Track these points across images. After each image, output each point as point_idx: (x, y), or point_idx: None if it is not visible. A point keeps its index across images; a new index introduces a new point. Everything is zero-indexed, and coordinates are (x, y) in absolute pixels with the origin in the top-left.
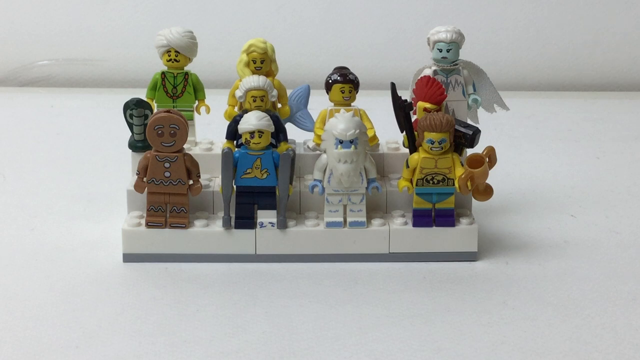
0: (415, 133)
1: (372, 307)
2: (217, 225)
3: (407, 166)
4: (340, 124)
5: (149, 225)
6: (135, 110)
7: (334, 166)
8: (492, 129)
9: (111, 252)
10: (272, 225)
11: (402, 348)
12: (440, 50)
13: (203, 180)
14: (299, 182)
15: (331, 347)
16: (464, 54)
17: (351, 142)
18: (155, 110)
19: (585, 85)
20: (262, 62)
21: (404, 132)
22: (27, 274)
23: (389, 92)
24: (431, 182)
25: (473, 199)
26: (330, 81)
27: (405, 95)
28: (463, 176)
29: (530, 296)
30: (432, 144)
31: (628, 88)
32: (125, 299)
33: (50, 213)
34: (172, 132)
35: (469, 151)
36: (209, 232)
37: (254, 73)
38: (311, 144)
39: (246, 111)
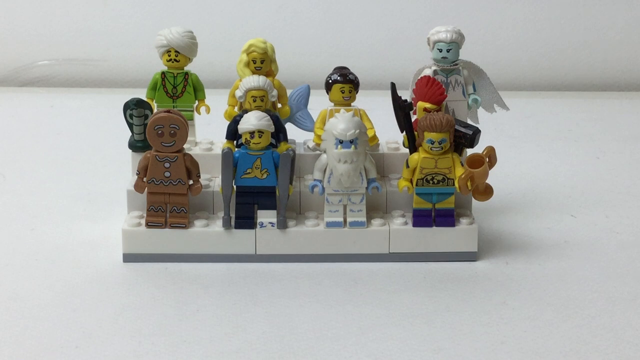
0: (415, 133)
1: (372, 307)
2: (217, 225)
3: (407, 166)
4: (340, 124)
5: (149, 225)
6: (135, 110)
7: (334, 166)
8: (492, 129)
9: (111, 252)
10: (272, 225)
11: (402, 348)
12: (440, 50)
13: (203, 180)
14: (299, 182)
15: (331, 347)
16: (464, 54)
17: (351, 142)
18: (155, 110)
19: (585, 85)
20: (262, 62)
21: (404, 132)
22: (27, 274)
23: (389, 92)
24: (431, 182)
25: (473, 199)
26: (330, 81)
27: (405, 95)
28: (463, 176)
29: (530, 296)
30: (432, 144)
31: (628, 88)
32: (125, 299)
33: (50, 213)
34: (172, 132)
35: (469, 151)
36: (209, 232)
37: (254, 73)
38: (311, 144)
39: (246, 111)
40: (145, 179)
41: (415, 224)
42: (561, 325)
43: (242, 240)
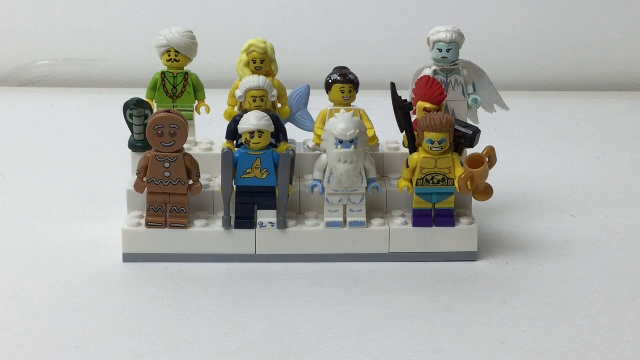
0: (415, 133)
1: (372, 307)
2: (217, 225)
3: (407, 166)
4: (340, 124)
5: (149, 225)
6: (135, 110)
7: (334, 166)
8: (492, 129)
9: (111, 252)
10: (272, 225)
11: (402, 348)
12: (440, 50)
13: (203, 180)
14: (299, 182)
15: (331, 347)
16: (464, 54)
17: (351, 142)
18: (155, 110)
19: (585, 85)
20: (262, 62)
21: (404, 132)
22: (27, 274)
23: (389, 92)
24: (431, 182)
25: (473, 199)
26: (330, 81)
27: (405, 95)
28: (463, 176)
29: (530, 296)
30: (432, 144)
31: (628, 88)
32: (125, 299)
33: (50, 213)
34: (172, 132)
35: (469, 151)
36: (209, 232)
37: (254, 73)
38: (311, 144)
39: (246, 111)
40: (145, 179)
41: (415, 224)
42: (561, 325)
43: (242, 240)
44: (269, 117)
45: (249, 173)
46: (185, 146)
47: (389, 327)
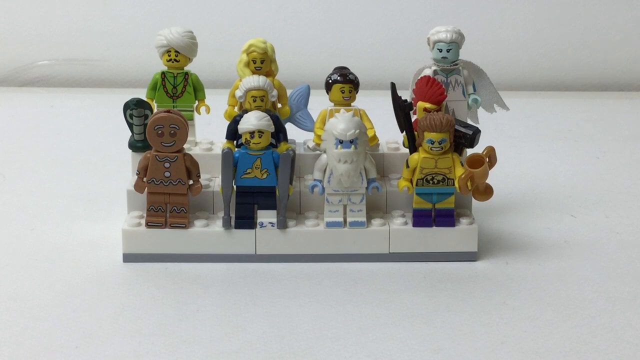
0: (415, 133)
1: (372, 307)
2: (217, 225)
3: (407, 166)
4: (340, 124)
5: (149, 225)
6: (135, 110)
7: (334, 166)
8: (492, 129)
9: (111, 252)
10: (272, 225)
11: (402, 348)
12: (440, 50)
13: (203, 180)
14: (299, 182)
15: (331, 347)
16: (464, 54)
17: (351, 142)
18: (155, 110)
19: (585, 85)
20: (262, 62)
21: (404, 132)
22: (27, 274)
23: (389, 92)
24: (431, 182)
25: (473, 199)
26: (330, 81)
27: (405, 95)
28: (463, 176)
29: (530, 296)
30: (432, 144)
31: (628, 88)
32: (125, 299)
33: (50, 213)
34: (172, 132)
35: (469, 151)
36: (209, 232)
37: (254, 73)
38: (311, 144)
39: (246, 111)
40: (145, 179)
41: (415, 224)
42: (561, 325)
43: (242, 240)
44: (269, 117)
45: (249, 173)
46: (185, 146)
47: (389, 327)
